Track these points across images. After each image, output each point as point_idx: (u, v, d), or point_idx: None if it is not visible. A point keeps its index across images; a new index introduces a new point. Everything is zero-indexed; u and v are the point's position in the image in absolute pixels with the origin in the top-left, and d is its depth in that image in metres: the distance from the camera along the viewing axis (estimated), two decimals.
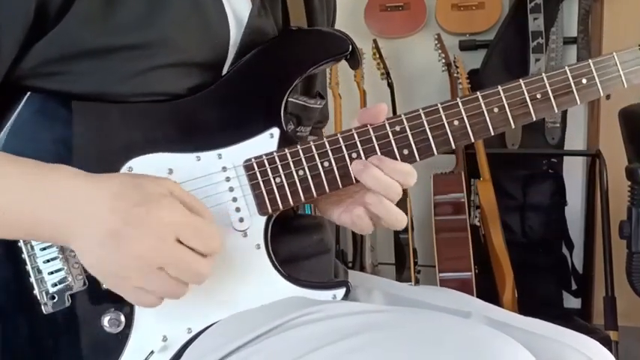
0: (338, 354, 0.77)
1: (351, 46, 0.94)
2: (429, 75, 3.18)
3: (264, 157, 0.89)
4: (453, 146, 0.93)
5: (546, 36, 2.97)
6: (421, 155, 0.92)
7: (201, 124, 0.90)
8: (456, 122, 0.92)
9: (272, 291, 0.90)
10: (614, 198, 2.61)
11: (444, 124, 0.92)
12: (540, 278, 2.94)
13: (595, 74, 0.96)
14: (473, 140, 0.93)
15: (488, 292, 2.61)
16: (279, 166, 0.89)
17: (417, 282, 2.72)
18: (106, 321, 0.86)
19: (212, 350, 0.85)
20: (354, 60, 0.95)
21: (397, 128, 0.92)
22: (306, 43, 0.97)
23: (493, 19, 3.13)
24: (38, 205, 0.79)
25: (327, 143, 0.91)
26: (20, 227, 0.80)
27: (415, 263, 2.75)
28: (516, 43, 3.00)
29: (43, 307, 0.84)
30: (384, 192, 0.90)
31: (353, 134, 0.91)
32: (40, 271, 0.84)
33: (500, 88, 0.94)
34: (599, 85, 0.96)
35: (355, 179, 0.91)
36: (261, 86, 0.92)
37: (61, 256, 0.84)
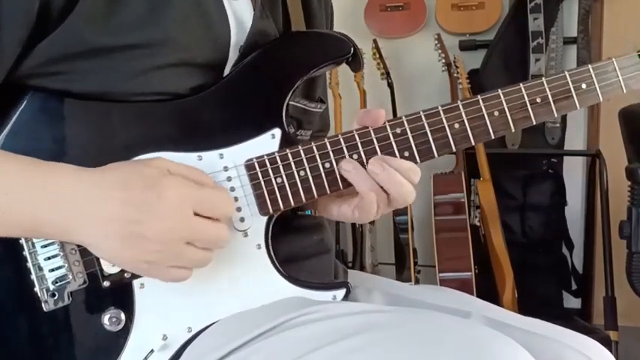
0: (338, 354, 0.78)
1: (352, 49, 0.94)
2: (429, 75, 3.18)
3: (265, 157, 0.89)
4: (454, 149, 0.94)
5: (546, 36, 2.97)
6: (422, 157, 0.93)
7: (203, 124, 0.90)
8: (456, 125, 0.93)
9: (272, 291, 0.91)
10: (614, 198, 2.61)
11: (444, 126, 0.93)
12: (540, 278, 2.94)
13: (595, 79, 0.97)
14: (473, 143, 0.94)
15: (489, 292, 2.60)
16: (281, 167, 0.89)
17: (417, 282, 2.72)
18: (106, 319, 0.86)
19: (212, 350, 0.85)
20: (356, 62, 0.95)
21: (398, 130, 0.92)
22: (308, 45, 0.97)
23: (493, 19, 3.13)
24: (39, 204, 0.79)
25: (328, 144, 0.91)
26: (21, 226, 0.80)
27: (415, 263, 2.75)
28: (516, 43, 3.00)
29: (43, 304, 0.84)
30: (387, 187, 0.90)
31: (354, 135, 0.92)
32: (40, 269, 0.84)
33: (500, 91, 0.94)
34: (598, 90, 0.97)
35: None
36: (264, 87, 0.93)
37: (62, 253, 0.84)
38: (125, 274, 0.86)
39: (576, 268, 2.96)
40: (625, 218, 2.15)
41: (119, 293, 0.86)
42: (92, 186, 0.79)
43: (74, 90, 0.85)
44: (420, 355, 0.75)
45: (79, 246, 0.84)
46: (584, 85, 0.96)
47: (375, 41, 3.08)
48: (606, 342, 2.34)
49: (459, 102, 0.93)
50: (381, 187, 0.91)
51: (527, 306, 2.58)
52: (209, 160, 0.88)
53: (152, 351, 0.87)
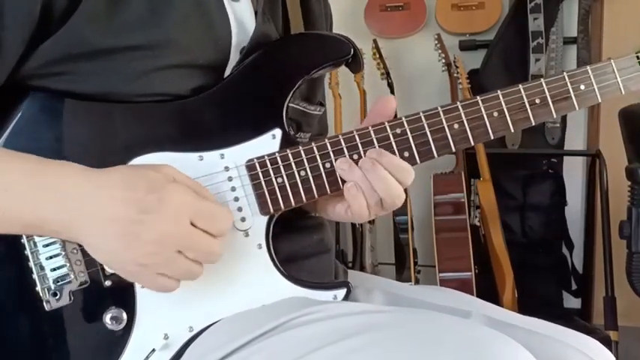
0: (338, 354, 0.78)
1: (352, 50, 0.94)
2: (429, 75, 3.18)
3: (266, 157, 0.90)
4: (453, 149, 0.94)
5: (546, 36, 2.97)
6: (422, 158, 0.93)
7: (204, 124, 0.91)
8: (456, 126, 0.93)
9: (273, 291, 0.91)
10: (614, 198, 2.61)
11: (444, 127, 0.93)
12: (540, 278, 2.93)
13: (593, 81, 0.97)
14: (473, 144, 0.95)
15: (489, 292, 2.60)
16: (281, 167, 0.90)
17: (417, 282, 2.72)
18: (107, 318, 0.86)
19: (213, 349, 0.85)
20: (356, 64, 0.96)
21: (398, 131, 0.93)
22: (308, 46, 0.98)
23: (493, 19, 3.13)
24: (41, 202, 0.79)
25: (328, 144, 0.91)
26: (21, 223, 0.80)
27: (415, 263, 2.75)
28: (516, 43, 3.00)
29: (45, 303, 0.85)
30: (378, 187, 0.90)
31: (354, 136, 0.92)
32: (42, 268, 0.84)
33: (499, 92, 0.94)
34: (597, 91, 0.97)
35: None
36: (264, 87, 0.93)
37: (63, 252, 0.84)
38: None
39: (576, 268, 2.96)
40: (625, 218, 2.15)
41: (120, 292, 0.86)
42: (97, 186, 0.80)
43: (76, 91, 0.85)
44: (420, 355, 0.75)
45: (80, 245, 0.84)
46: (582, 87, 0.97)
47: (375, 41, 3.08)
48: (606, 342, 2.33)
49: (458, 103, 0.94)
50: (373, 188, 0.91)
51: (527, 306, 2.58)
52: (210, 160, 0.89)
53: (154, 350, 0.87)
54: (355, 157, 0.92)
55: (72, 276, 0.85)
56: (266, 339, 0.84)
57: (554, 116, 0.97)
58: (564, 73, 0.97)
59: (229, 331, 0.87)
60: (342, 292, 0.92)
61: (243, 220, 0.89)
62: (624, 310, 2.54)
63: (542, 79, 0.96)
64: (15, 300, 0.85)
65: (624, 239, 2.15)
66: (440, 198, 2.75)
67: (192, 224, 0.80)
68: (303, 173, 0.90)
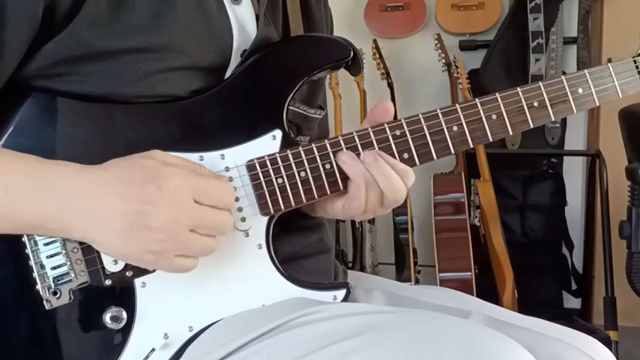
0: (338, 354, 0.78)
1: (352, 53, 0.94)
2: (429, 75, 3.18)
3: (266, 157, 0.90)
4: (453, 152, 0.95)
5: (546, 36, 2.97)
6: (421, 159, 0.94)
7: (204, 124, 0.91)
8: (455, 128, 0.94)
9: (273, 291, 0.91)
10: (614, 198, 2.61)
11: (443, 129, 0.94)
12: (540, 278, 2.94)
13: (591, 84, 0.98)
14: (472, 146, 0.95)
15: (489, 292, 2.61)
16: (281, 167, 0.90)
17: (417, 282, 2.72)
18: (107, 317, 0.86)
19: (213, 349, 0.85)
20: (356, 67, 0.96)
21: (397, 132, 0.93)
22: (309, 48, 0.98)
23: (493, 19, 3.13)
24: (41, 201, 0.79)
25: (328, 145, 0.92)
26: (23, 222, 0.80)
27: (415, 263, 2.75)
28: (516, 43, 3.00)
29: (45, 302, 0.84)
30: (382, 184, 0.90)
31: (354, 137, 0.92)
32: (42, 267, 0.84)
33: (498, 95, 0.95)
34: (594, 95, 0.99)
35: None
36: (265, 89, 0.93)
37: (64, 251, 0.84)
38: (127, 273, 0.86)
39: (576, 268, 2.96)
40: (625, 218, 2.16)
41: (121, 292, 0.86)
42: (94, 183, 0.80)
43: (78, 92, 0.85)
44: (420, 355, 0.75)
45: (81, 244, 0.84)
46: (580, 90, 0.98)
47: (375, 41, 3.08)
48: (606, 342, 2.32)
49: (457, 105, 0.94)
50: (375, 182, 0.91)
51: (527, 306, 2.58)
52: (211, 161, 0.89)
53: (153, 349, 0.87)
54: None
55: (72, 275, 0.85)
56: (266, 339, 0.84)
57: (553, 119, 0.97)
58: (562, 77, 0.98)
59: (229, 332, 0.87)
60: (341, 293, 0.92)
61: (243, 220, 0.89)
62: (624, 310, 2.54)
63: (540, 83, 0.97)
64: (15, 299, 0.85)
65: (624, 239, 2.16)
66: (440, 198, 2.75)
67: (196, 202, 0.81)
68: (303, 174, 0.91)
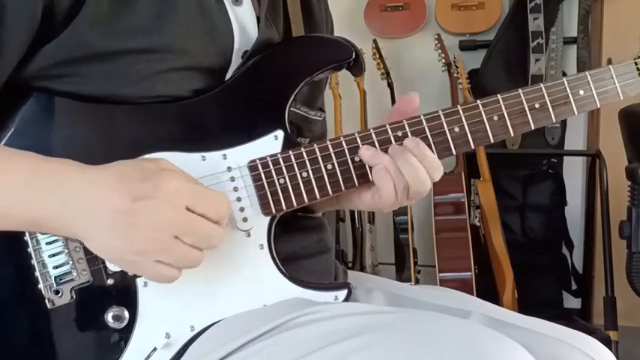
0: (339, 354, 0.78)
1: (354, 53, 0.95)
2: (429, 75, 3.18)
3: (268, 158, 0.90)
4: (454, 152, 0.95)
5: (546, 36, 2.97)
6: None
7: (206, 125, 0.91)
8: (456, 129, 0.94)
9: (274, 291, 0.91)
10: (614, 198, 2.61)
11: (444, 130, 0.94)
12: (540, 278, 2.94)
13: (592, 86, 0.99)
14: (473, 147, 0.96)
15: (489, 292, 2.61)
16: (283, 168, 0.90)
17: (417, 282, 2.72)
18: (109, 316, 0.86)
19: (214, 349, 0.85)
20: (357, 67, 0.96)
21: (399, 133, 0.93)
22: (311, 49, 0.98)
23: (493, 19, 3.14)
24: (39, 200, 0.79)
25: (330, 146, 0.92)
26: (22, 220, 0.81)
27: (415, 263, 2.75)
28: (516, 43, 3.00)
29: (47, 301, 0.85)
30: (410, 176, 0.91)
31: (355, 138, 0.92)
32: (45, 266, 0.85)
33: (499, 96, 0.95)
34: (595, 97, 0.99)
35: (357, 182, 0.92)
36: (266, 89, 0.93)
37: (66, 250, 0.85)
38: (129, 272, 0.86)
39: (576, 268, 2.96)
40: (625, 218, 2.16)
41: (123, 291, 0.86)
42: (93, 181, 0.80)
43: (79, 92, 0.86)
44: (420, 356, 0.75)
45: (82, 243, 0.84)
46: (581, 92, 0.98)
47: (375, 41, 3.08)
48: (606, 342, 2.32)
49: (458, 106, 0.94)
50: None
51: (527, 306, 2.58)
52: (213, 161, 0.89)
53: (155, 349, 0.87)
54: (357, 159, 0.92)
55: (74, 274, 0.85)
56: (266, 339, 0.84)
57: (554, 121, 0.98)
58: (564, 79, 0.98)
59: (230, 331, 0.87)
60: (342, 293, 0.92)
61: (245, 220, 0.90)
62: (624, 310, 2.54)
63: (541, 84, 0.97)
64: (17, 298, 0.85)
65: (624, 239, 2.16)
66: (440, 198, 2.75)
67: (189, 209, 0.79)
68: (304, 174, 0.91)
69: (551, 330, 0.95)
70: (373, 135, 0.93)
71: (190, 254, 0.80)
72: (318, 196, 0.91)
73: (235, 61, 0.94)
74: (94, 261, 0.85)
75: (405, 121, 0.93)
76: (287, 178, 0.90)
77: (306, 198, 0.91)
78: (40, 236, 0.84)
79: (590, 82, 0.99)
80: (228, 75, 0.94)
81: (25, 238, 0.84)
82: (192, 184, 0.81)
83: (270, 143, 0.91)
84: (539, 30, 2.96)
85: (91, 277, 0.86)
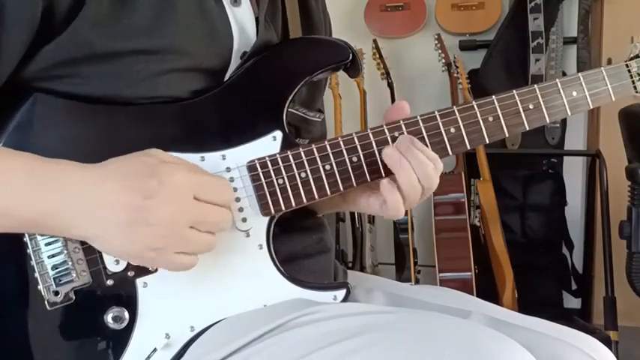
0: (339, 354, 0.78)
1: (351, 55, 0.95)
2: (429, 75, 3.19)
3: (267, 158, 0.90)
4: (450, 153, 0.96)
5: (546, 36, 2.97)
6: None
7: (205, 125, 0.91)
8: (452, 130, 0.95)
9: (273, 291, 0.91)
10: (614, 198, 2.61)
11: (441, 131, 0.94)
12: (540, 278, 2.94)
13: (584, 87, 1.00)
14: (469, 147, 0.96)
15: (489, 292, 2.61)
16: (282, 168, 0.90)
17: (417, 282, 2.72)
18: (109, 317, 0.86)
19: (214, 349, 0.85)
20: (354, 69, 0.97)
21: (396, 134, 0.94)
22: (308, 50, 0.99)
23: (493, 19, 3.14)
24: (40, 201, 0.79)
25: (328, 147, 0.92)
26: (22, 221, 0.81)
27: (415, 263, 2.75)
28: (516, 43, 3.00)
29: (46, 302, 0.85)
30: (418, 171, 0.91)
31: (353, 138, 0.93)
32: (44, 267, 0.84)
33: (494, 98, 0.96)
34: (588, 98, 1.01)
35: (355, 182, 0.92)
36: (265, 90, 0.94)
37: (65, 251, 0.85)
38: (129, 273, 0.86)
39: (576, 268, 2.96)
40: (625, 218, 2.16)
41: (122, 292, 0.86)
42: (93, 182, 0.80)
43: (79, 93, 0.86)
44: (420, 356, 0.75)
45: (82, 244, 0.84)
46: (574, 93, 1.00)
47: (375, 41, 3.08)
48: (606, 342, 2.31)
49: (454, 107, 0.95)
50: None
51: (527, 306, 2.58)
52: (212, 161, 0.89)
53: (155, 349, 0.87)
54: (354, 159, 0.92)
55: (74, 275, 0.85)
56: (266, 339, 0.84)
57: (548, 121, 0.99)
58: (557, 80, 0.99)
59: (230, 332, 0.87)
60: (341, 293, 0.92)
61: (244, 220, 0.90)
62: (624, 310, 2.54)
63: (535, 85, 0.98)
64: (17, 299, 0.85)
65: (624, 239, 2.16)
66: (440, 198, 2.75)
67: (196, 198, 0.81)
68: (303, 175, 0.91)
69: (551, 330, 0.94)
70: (370, 135, 0.93)
71: (207, 240, 0.83)
72: (316, 197, 0.91)
73: (234, 62, 0.95)
74: (93, 262, 0.85)
75: (402, 122, 0.94)
76: (286, 178, 0.90)
77: (305, 198, 0.91)
78: (39, 237, 0.84)
79: (583, 83, 1.00)
80: (227, 76, 0.94)
81: (25, 239, 0.84)
82: (194, 173, 0.83)
83: (269, 144, 0.91)
84: (539, 30, 2.96)
85: (90, 278, 0.86)
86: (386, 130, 0.94)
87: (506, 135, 0.97)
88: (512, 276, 2.61)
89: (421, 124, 0.94)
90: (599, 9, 3.06)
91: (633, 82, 1.04)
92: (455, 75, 2.93)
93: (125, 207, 0.79)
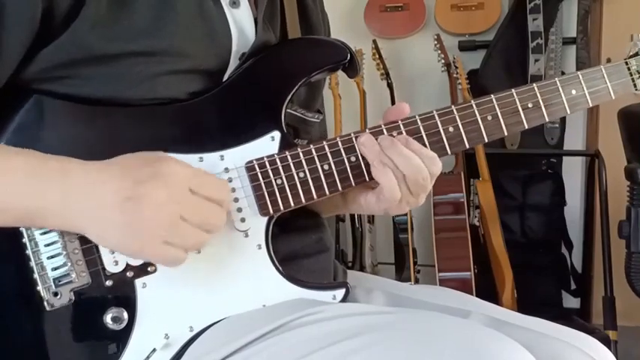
0: (339, 355, 0.78)
1: (349, 55, 0.95)
2: (428, 75, 3.18)
3: (265, 158, 0.90)
4: (449, 152, 0.96)
5: (546, 36, 2.97)
6: None
7: (204, 126, 0.91)
8: (451, 129, 0.95)
9: (273, 291, 0.91)
10: (613, 198, 2.61)
11: (439, 130, 0.95)
12: (540, 278, 2.94)
13: (584, 85, 1.00)
14: (468, 146, 0.96)
15: (488, 292, 2.61)
16: (280, 168, 0.90)
17: (416, 282, 2.72)
18: (108, 318, 0.86)
19: (213, 350, 0.85)
20: (352, 69, 0.97)
21: (394, 134, 0.94)
22: (306, 50, 0.99)
23: (492, 20, 3.14)
24: (39, 192, 0.80)
25: (326, 146, 0.92)
26: (22, 212, 0.81)
27: (415, 263, 2.75)
28: (516, 44, 3.00)
29: (46, 303, 0.85)
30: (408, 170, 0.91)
31: (352, 138, 0.93)
32: (43, 268, 0.85)
33: (493, 96, 0.96)
34: (587, 96, 1.01)
35: (354, 182, 0.93)
36: (263, 90, 0.94)
37: (64, 252, 0.85)
38: (127, 274, 0.86)
39: (575, 268, 2.96)
40: (624, 218, 2.16)
41: (121, 292, 0.86)
42: (95, 180, 0.80)
43: (79, 95, 0.86)
44: (419, 356, 0.76)
45: (81, 244, 0.85)
46: (573, 91, 1.00)
47: (374, 41, 3.08)
48: (605, 342, 2.31)
49: (453, 106, 0.95)
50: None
51: (526, 306, 2.58)
52: (210, 162, 0.89)
53: (154, 350, 0.87)
54: (353, 159, 0.93)
55: (73, 275, 0.85)
56: (267, 339, 0.84)
57: (547, 120, 0.99)
58: (556, 79, 0.99)
59: (230, 332, 0.87)
60: (340, 293, 0.92)
61: (242, 220, 0.90)
62: (623, 309, 2.54)
63: (534, 84, 0.98)
64: (16, 300, 0.85)
65: (623, 239, 2.16)
66: (439, 198, 2.75)
67: (191, 191, 0.81)
68: (301, 175, 0.91)
69: (551, 330, 0.95)
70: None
71: (197, 235, 0.82)
72: (315, 197, 0.91)
73: (233, 64, 0.95)
74: (92, 263, 0.85)
75: (400, 122, 0.94)
76: (284, 178, 0.90)
77: (304, 198, 0.91)
78: (38, 238, 0.84)
79: (582, 81, 1.00)
80: (226, 77, 0.95)
81: (24, 240, 0.84)
82: (190, 167, 0.83)
83: (267, 144, 0.91)
84: (538, 30, 2.96)
85: (89, 278, 0.86)
86: (384, 130, 0.94)
87: (505, 134, 0.97)
88: (511, 276, 2.61)
89: (419, 124, 0.94)
90: (598, 9, 3.06)
91: (633, 80, 1.04)
92: (454, 75, 2.93)
93: (120, 196, 0.79)
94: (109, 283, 0.86)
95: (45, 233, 0.84)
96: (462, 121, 0.95)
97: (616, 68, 1.03)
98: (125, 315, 0.87)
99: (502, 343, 0.78)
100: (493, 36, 3.07)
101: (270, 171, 0.90)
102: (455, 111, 0.95)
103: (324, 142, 0.92)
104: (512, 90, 0.97)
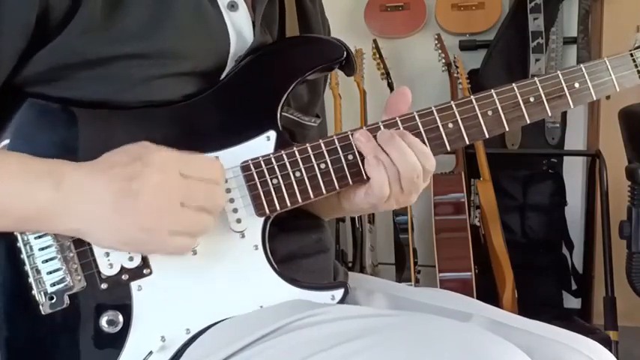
0: (339, 357, 0.78)
1: (345, 53, 0.94)
2: (429, 75, 3.18)
3: (260, 158, 0.90)
4: (449, 149, 0.94)
5: (546, 36, 2.97)
6: None
7: (199, 127, 0.91)
8: (450, 125, 0.94)
9: (270, 292, 0.91)
10: (614, 198, 2.61)
11: (438, 126, 0.93)
12: (540, 278, 2.94)
13: (587, 78, 0.98)
14: (467, 142, 0.95)
15: (489, 292, 2.61)
16: (276, 168, 0.90)
17: (417, 282, 2.72)
18: (104, 321, 0.86)
19: (212, 352, 0.85)
20: (349, 67, 0.96)
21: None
22: (302, 49, 0.98)
23: (493, 19, 3.13)
24: (32, 195, 0.79)
25: (323, 145, 0.91)
26: (16, 216, 0.81)
27: (415, 263, 2.75)
28: (516, 43, 3.00)
29: (41, 307, 0.84)
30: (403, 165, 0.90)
31: (348, 136, 0.92)
32: (38, 272, 0.84)
33: (493, 91, 0.95)
34: (591, 89, 0.98)
35: (351, 180, 0.92)
36: (258, 90, 0.93)
37: (59, 256, 0.84)
38: (123, 276, 0.86)
39: (576, 268, 2.96)
40: (625, 218, 2.16)
41: (117, 295, 0.86)
42: (84, 175, 0.80)
43: (73, 98, 0.86)
44: (420, 357, 0.75)
45: (75, 247, 0.84)
46: (577, 84, 0.98)
47: (375, 41, 3.08)
48: (606, 342, 2.34)
49: (452, 102, 0.94)
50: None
51: (527, 306, 2.58)
52: None
53: (151, 352, 0.86)
54: (350, 157, 0.92)
55: (68, 279, 0.84)
56: (266, 341, 0.84)
57: (549, 114, 0.97)
58: (558, 72, 0.97)
59: (229, 334, 0.87)
60: (339, 293, 0.92)
61: (239, 221, 0.89)
62: (624, 310, 2.54)
63: (536, 78, 0.96)
64: (11, 304, 0.85)
65: (624, 239, 2.16)
66: (440, 198, 2.75)
67: (182, 175, 0.81)
68: (298, 174, 0.90)
69: (551, 332, 0.94)
70: None
71: (201, 218, 0.82)
72: (312, 196, 0.91)
73: (230, 66, 0.94)
74: (87, 266, 0.85)
75: (397, 118, 0.93)
76: (280, 178, 0.90)
77: (300, 198, 0.90)
78: (32, 242, 0.84)
79: (586, 74, 0.98)
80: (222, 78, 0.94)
81: (18, 244, 0.84)
82: (177, 152, 0.82)
83: (263, 144, 0.91)
84: (539, 30, 2.96)
85: (84, 282, 0.85)
86: (382, 127, 0.93)
87: (507, 129, 0.95)
88: (512, 276, 2.60)
89: (417, 120, 0.93)
90: (599, 9, 3.06)
91: (638, 72, 1.01)
92: (455, 75, 2.93)
93: (112, 194, 0.79)
94: (104, 286, 0.85)
95: (39, 237, 0.84)
96: (462, 116, 0.94)
97: (621, 60, 1.01)
98: (120, 318, 0.86)
99: (502, 346, 0.78)
100: (494, 36, 3.07)
101: (265, 170, 0.89)
102: (454, 107, 0.94)
103: (321, 141, 0.91)
104: (513, 84, 0.95)
